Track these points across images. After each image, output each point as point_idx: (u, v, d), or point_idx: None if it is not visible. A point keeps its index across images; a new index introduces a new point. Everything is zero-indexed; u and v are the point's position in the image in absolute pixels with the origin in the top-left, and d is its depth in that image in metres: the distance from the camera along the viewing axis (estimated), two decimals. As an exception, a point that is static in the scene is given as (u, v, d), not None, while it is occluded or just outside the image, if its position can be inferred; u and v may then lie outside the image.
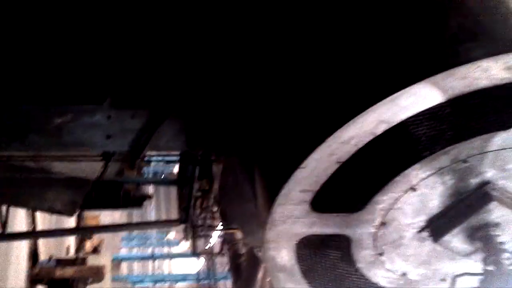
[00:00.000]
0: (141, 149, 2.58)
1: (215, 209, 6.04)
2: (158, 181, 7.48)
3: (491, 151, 1.79)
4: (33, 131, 2.50)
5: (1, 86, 2.41)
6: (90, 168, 3.10)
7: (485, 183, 1.89)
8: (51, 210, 3.77)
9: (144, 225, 5.93)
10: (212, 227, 6.36)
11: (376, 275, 2.21)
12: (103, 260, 11.49)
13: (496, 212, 1.95)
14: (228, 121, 2.35)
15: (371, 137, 1.66)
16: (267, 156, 1.99)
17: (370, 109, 1.56)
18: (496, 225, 1.98)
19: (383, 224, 1.98)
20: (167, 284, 18.73)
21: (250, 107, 2.13)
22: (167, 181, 6.83)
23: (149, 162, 7.44)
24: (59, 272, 9.96)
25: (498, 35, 1.58)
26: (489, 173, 1.88)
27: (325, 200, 1.86)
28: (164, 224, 6.06)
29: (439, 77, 1.51)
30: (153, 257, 19.89)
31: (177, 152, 3.46)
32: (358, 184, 1.84)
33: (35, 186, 3.49)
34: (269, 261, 2.04)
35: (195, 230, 6.12)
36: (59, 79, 2.50)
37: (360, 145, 1.68)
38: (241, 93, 2.22)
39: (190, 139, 2.58)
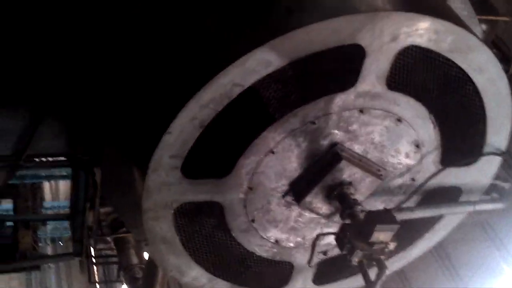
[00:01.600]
0: (23, 151, 2.67)
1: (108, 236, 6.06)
2: (50, 217, 7.31)
3: (333, 112, 2.08)
4: None
5: None
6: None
7: (334, 144, 2.17)
8: None
9: (39, 259, 5.77)
10: (109, 256, 6.34)
11: (251, 243, 2.41)
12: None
13: (347, 171, 2.22)
14: (100, 114, 2.48)
15: (227, 100, 1.89)
16: (137, 133, 2.17)
17: (222, 72, 1.79)
18: (349, 183, 2.25)
19: (250, 189, 2.19)
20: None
21: (116, 91, 2.31)
22: (60, 216, 6.67)
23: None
24: None
25: (324, 5, 1.88)
26: (336, 134, 2.15)
27: (194, 166, 2.05)
28: (60, 258, 5.95)
29: (276, 41, 1.78)
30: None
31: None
32: (221, 148, 2.05)
33: None
34: (149, 232, 2.19)
35: (90, 260, 6.09)
36: None
37: (219, 108, 1.90)
38: (108, 85, 2.37)
39: (70, 139, 2.70)
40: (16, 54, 2.39)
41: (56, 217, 7.08)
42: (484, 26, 3.69)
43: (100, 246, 6.42)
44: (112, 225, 5.83)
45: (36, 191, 7.52)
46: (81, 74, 2.46)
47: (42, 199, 8.56)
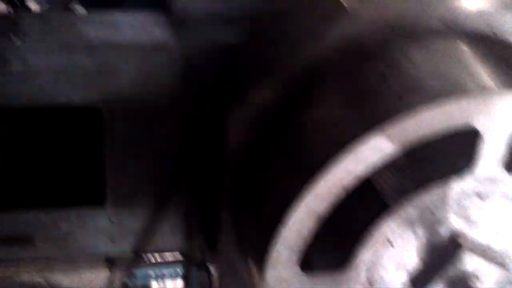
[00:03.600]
0: (143, 250, 2.76)
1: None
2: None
3: (451, 199, 2.01)
4: (40, 240, 2.69)
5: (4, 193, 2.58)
6: (96, 281, 3.23)
7: (454, 233, 2.09)
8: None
9: None
10: None
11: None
12: None
13: (470, 262, 2.12)
14: (215, 207, 2.53)
15: (341, 191, 1.89)
16: (251, 226, 2.20)
17: (336, 161, 1.81)
18: (474, 275, 2.14)
19: (369, 281, 2.14)
20: None
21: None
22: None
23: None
24: None
25: (434, 88, 1.87)
26: (456, 223, 2.08)
27: (312, 259, 2.04)
28: None
29: (389, 127, 1.78)
30: None
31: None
32: (338, 239, 2.03)
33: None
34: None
35: None
36: (58, 181, 2.72)
37: (334, 199, 1.91)
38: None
39: (185, 234, 2.78)
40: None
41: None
42: None
43: None
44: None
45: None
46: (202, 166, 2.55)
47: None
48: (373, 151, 1.81)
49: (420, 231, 2.06)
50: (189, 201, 2.70)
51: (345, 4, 2.06)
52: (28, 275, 3.02)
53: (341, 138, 1.83)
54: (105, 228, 2.70)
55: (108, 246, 2.76)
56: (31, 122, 2.60)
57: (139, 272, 6.31)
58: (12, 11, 3.14)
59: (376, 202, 1.95)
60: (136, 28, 2.33)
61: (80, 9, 3.19)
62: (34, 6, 3.19)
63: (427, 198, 1.98)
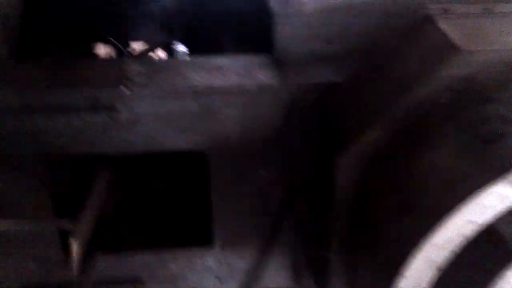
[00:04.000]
0: (251, 288, 2.75)
1: None
2: None
3: None
4: (151, 280, 2.74)
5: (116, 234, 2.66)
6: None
7: None
8: None
9: None
10: None
11: None
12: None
13: None
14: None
15: (463, 240, 1.77)
16: (365, 275, 2.12)
17: (457, 210, 1.70)
18: None
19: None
20: None
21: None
22: None
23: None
24: None
25: None
26: None
27: None
28: None
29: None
30: None
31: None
32: None
33: None
34: None
35: None
36: (169, 223, 2.77)
37: (455, 249, 1.79)
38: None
39: (296, 275, 2.74)
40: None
41: None
42: None
43: None
44: None
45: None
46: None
47: None
48: (497, 200, 1.69)
49: None
50: (297, 241, 2.67)
51: (457, 42, 1.95)
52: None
53: (462, 186, 1.71)
54: (213, 268, 2.72)
55: (217, 286, 2.78)
56: (140, 167, 2.67)
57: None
58: (116, 53, 3.25)
59: (502, 251, 1.82)
60: (240, 71, 2.32)
61: (181, 48, 3.26)
62: (138, 48, 3.29)
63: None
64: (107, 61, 2.99)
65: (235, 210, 2.57)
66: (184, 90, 2.24)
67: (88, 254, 2.34)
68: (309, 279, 2.74)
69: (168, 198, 2.82)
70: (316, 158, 2.39)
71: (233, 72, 2.32)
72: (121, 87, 2.20)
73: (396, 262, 1.85)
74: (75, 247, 2.19)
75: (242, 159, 2.44)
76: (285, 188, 2.52)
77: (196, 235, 2.68)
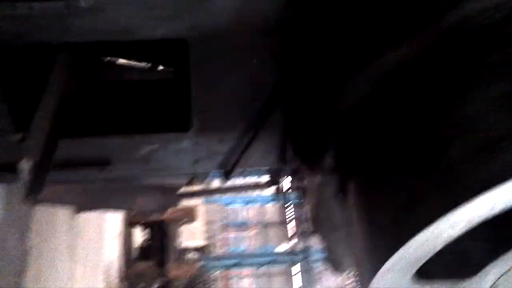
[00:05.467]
0: (230, 172, 2.54)
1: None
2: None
3: None
4: (119, 162, 2.48)
5: (80, 118, 2.35)
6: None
7: None
8: (143, 211, 3.85)
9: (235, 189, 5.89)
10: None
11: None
12: (195, 200, 11.82)
13: None
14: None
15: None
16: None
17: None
18: None
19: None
20: (258, 205, 18.84)
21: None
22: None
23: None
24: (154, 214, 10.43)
25: None
26: None
27: (432, 269, 1.76)
28: (254, 187, 6.00)
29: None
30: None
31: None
32: (470, 254, 1.75)
33: (128, 193, 3.54)
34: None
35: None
36: (142, 108, 2.46)
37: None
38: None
39: (281, 156, 2.53)
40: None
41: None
42: None
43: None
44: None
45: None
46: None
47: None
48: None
49: None
50: (284, 124, 2.40)
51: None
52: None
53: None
54: (189, 149, 2.46)
55: (191, 166, 2.56)
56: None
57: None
58: None
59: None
60: None
61: None
62: None
63: None
64: None
65: (216, 97, 2.24)
66: None
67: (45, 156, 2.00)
68: (296, 158, 2.53)
69: (146, 84, 2.45)
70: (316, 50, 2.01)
71: None
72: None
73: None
74: (26, 167, 1.86)
75: (231, 49, 2.04)
76: (277, 79, 2.17)
77: (173, 121, 2.37)
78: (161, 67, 2.55)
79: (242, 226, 20.44)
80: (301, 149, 2.42)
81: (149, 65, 2.57)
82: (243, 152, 2.45)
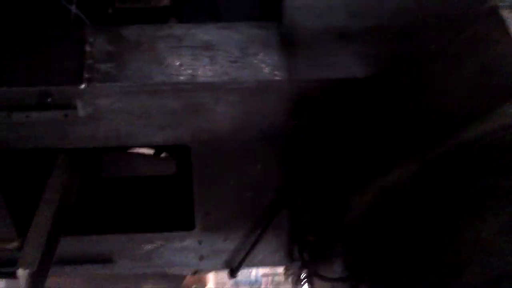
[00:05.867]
0: (236, 270, 2.45)
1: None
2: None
3: None
4: (122, 258, 2.41)
5: (82, 215, 2.31)
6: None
7: None
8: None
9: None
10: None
11: None
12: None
13: None
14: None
15: None
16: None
17: None
18: None
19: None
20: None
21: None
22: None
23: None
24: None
25: None
26: None
27: None
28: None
29: None
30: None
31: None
32: None
33: (132, 280, 3.46)
34: None
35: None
36: (145, 204, 2.42)
37: None
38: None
39: (289, 254, 2.44)
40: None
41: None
42: None
43: None
44: None
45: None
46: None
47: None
48: None
49: None
50: (290, 226, 2.32)
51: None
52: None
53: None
54: (193, 247, 2.39)
55: (196, 262, 2.47)
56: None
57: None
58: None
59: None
60: (234, 53, 1.77)
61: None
62: None
63: None
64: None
65: (219, 199, 2.19)
66: (163, 88, 1.71)
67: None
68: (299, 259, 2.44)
69: (148, 180, 2.42)
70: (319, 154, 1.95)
71: (225, 55, 1.76)
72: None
73: None
74: (23, 274, 1.80)
75: (231, 154, 2.00)
76: (280, 182, 2.11)
77: (177, 219, 2.32)
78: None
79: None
80: (306, 254, 2.36)
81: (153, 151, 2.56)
82: (248, 251, 2.37)
